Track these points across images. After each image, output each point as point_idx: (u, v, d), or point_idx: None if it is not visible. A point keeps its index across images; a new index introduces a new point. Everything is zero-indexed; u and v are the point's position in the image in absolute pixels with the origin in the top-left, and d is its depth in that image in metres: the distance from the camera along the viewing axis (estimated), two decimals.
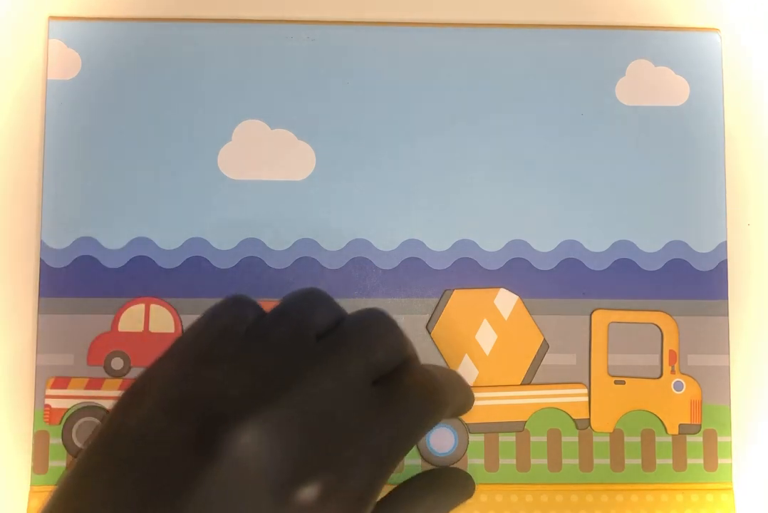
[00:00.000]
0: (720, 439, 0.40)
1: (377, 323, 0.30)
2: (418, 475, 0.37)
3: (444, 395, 0.30)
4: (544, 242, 0.41)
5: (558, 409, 0.40)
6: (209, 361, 0.28)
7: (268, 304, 0.40)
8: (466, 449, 0.40)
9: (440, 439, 0.40)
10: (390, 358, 0.29)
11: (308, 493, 0.25)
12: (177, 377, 0.27)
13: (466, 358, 0.40)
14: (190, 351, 0.29)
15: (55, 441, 0.39)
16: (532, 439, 0.40)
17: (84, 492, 0.26)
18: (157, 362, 0.29)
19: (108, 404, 0.39)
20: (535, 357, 0.40)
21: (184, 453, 0.25)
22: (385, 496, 0.32)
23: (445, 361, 0.40)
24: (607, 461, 0.40)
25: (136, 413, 0.27)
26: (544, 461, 0.40)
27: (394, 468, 0.28)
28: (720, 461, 0.40)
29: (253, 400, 0.26)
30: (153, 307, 0.40)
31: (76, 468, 0.27)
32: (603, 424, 0.40)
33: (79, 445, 0.39)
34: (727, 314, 0.41)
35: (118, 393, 0.39)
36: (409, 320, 0.40)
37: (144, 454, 0.25)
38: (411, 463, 0.40)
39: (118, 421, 0.27)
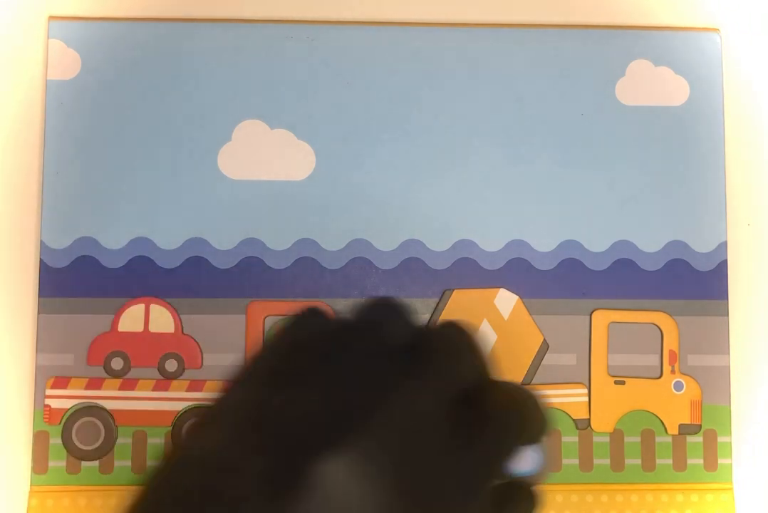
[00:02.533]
0: (720, 439, 0.40)
1: (462, 341, 0.28)
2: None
3: (530, 414, 0.28)
4: (544, 242, 0.41)
5: (558, 409, 0.40)
6: (282, 383, 0.25)
7: (272, 305, 0.40)
8: None
9: None
10: (474, 376, 0.27)
11: None
12: (247, 403, 0.25)
13: None
14: (261, 373, 0.26)
15: (55, 441, 0.39)
16: None
17: None
18: (227, 385, 0.27)
19: (108, 404, 0.39)
20: (535, 357, 0.40)
21: (260, 488, 0.22)
22: None
23: None
24: (607, 461, 0.40)
25: (205, 443, 0.24)
26: None
27: (487, 496, 0.26)
28: (720, 461, 0.40)
29: (337, 429, 0.23)
30: (153, 307, 0.40)
31: (138, 499, 0.24)
32: (603, 424, 0.40)
33: (78, 445, 0.39)
34: (727, 314, 0.41)
35: (118, 393, 0.39)
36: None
37: (215, 488, 0.23)
38: None
39: (184, 451, 0.25)
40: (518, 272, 0.41)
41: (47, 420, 0.39)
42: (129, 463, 0.39)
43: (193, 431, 0.26)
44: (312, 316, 0.29)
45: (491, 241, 0.41)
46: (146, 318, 0.40)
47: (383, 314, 0.28)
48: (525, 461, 0.34)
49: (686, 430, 0.40)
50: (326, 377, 0.25)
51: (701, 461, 0.40)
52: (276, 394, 0.25)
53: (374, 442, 0.23)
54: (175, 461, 0.24)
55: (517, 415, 0.27)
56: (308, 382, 0.25)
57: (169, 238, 0.40)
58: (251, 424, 0.24)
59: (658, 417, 0.40)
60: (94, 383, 0.40)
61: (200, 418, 0.26)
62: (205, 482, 0.23)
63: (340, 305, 0.40)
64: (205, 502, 0.22)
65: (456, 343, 0.27)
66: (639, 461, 0.40)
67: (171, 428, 0.39)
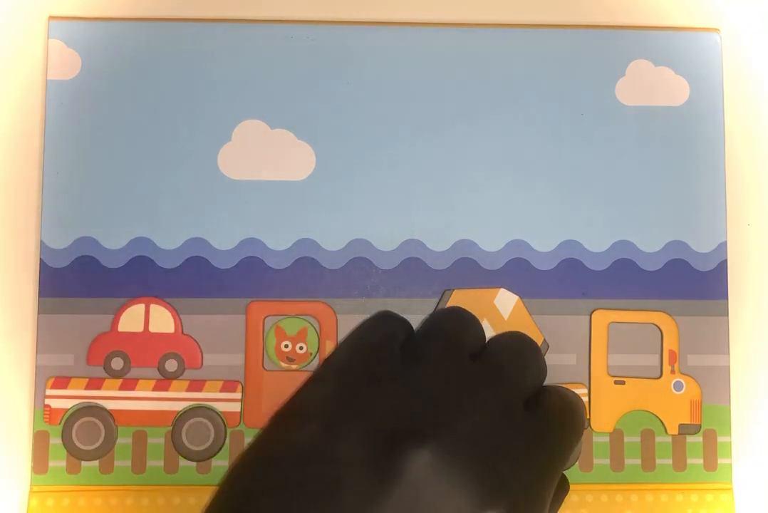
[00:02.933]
0: (720, 439, 0.40)
1: (525, 348, 0.31)
2: None
3: (582, 414, 0.32)
4: (544, 242, 0.41)
5: None
6: (368, 380, 0.27)
7: (272, 305, 0.40)
8: None
9: None
10: (536, 382, 0.30)
11: None
12: (337, 397, 0.27)
13: None
14: (346, 370, 0.28)
15: (55, 441, 0.39)
16: None
17: None
18: (310, 382, 0.28)
19: (108, 404, 0.39)
20: None
21: (359, 474, 0.24)
22: None
23: None
24: (607, 461, 0.40)
25: (301, 434, 0.26)
26: None
27: (555, 486, 0.28)
28: (720, 461, 0.40)
29: (425, 424, 0.25)
30: (153, 307, 0.40)
31: (237, 488, 0.26)
32: (603, 424, 0.40)
33: (78, 445, 0.39)
34: (727, 314, 0.41)
35: (118, 393, 0.39)
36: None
37: (315, 475, 0.24)
38: None
39: (281, 442, 0.26)
40: (518, 272, 0.41)
41: (47, 420, 0.39)
42: (129, 463, 0.39)
43: (285, 423, 0.27)
44: (386, 319, 0.31)
45: (491, 241, 0.41)
46: (146, 318, 0.40)
47: (457, 322, 0.31)
48: None
49: (686, 430, 0.40)
50: (407, 377, 0.27)
51: (701, 461, 0.40)
52: (363, 390, 0.27)
53: (457, 437, 0.25)
54: (274, 452, 0.26)
55: (576, 418, 0.31)
56: (392, 381, 0.27)
57: (169, 238, 0.40)
58: (344, 417, 0.26)
59: (658, 417, 0.40)
60: (94, 383, 0.40)
61: (288, 410, 0.28)
62: (306, 471, 0.24)
63: (340, 305, 0.40)
64: (307, 491, 0.24)
65: (521, 352, 0.31)
66: (639, 461, 0.40)
67: (171, 428, 0.39)
